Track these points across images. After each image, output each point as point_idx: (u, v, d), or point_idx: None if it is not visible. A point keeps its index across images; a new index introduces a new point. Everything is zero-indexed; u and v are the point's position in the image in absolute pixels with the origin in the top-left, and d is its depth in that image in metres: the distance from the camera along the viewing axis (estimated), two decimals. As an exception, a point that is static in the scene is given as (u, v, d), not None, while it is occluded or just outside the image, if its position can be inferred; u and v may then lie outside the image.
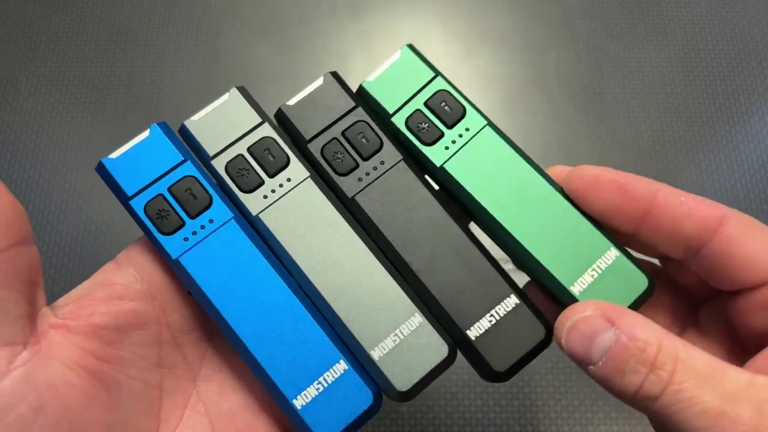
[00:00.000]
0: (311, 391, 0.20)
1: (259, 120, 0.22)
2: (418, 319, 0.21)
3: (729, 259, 0.20)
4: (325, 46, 0.53)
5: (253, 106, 0.22)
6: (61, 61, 0.53)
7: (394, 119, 0.22)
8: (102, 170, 0.22)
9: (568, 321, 0.19)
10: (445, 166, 0.22)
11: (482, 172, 0.22)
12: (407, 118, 0.22)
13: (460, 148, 0.22)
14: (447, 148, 0.22)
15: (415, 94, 0.23)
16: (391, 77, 0.23)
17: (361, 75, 0.52)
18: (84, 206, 0.48)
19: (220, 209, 0.21)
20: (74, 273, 0.45)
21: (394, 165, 0.22)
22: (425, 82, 0.23)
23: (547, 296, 0.22)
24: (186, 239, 0.21)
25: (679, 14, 0.55)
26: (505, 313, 0.21)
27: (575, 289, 0.21)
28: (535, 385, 0.43)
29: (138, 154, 0.22)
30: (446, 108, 0.22)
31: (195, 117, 0.22)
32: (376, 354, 0.21)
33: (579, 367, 0.19)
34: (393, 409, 0.42)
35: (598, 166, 0.21)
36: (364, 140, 0.22)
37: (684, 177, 0.49)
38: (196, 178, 0.21)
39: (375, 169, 0.22)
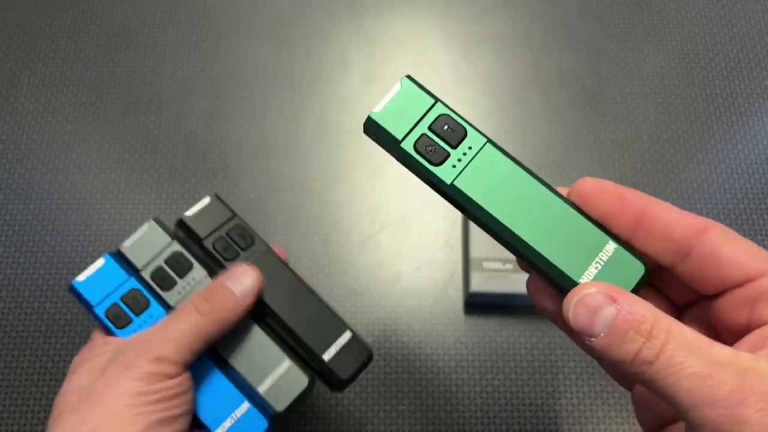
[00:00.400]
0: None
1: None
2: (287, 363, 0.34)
3: (714, 260, 0.22)
4: (325, 46, 0.54)
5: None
6: (62, 61, 0.53)
7: (403, 144, 0.25)
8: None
9: (575, 296, 0.22)
10: (455, 183, 0.24)
11: (488, 184, 0.25)
12: (415, 143, 0.25)
13: (466, 165, 0.25)
14: (454, 166, 0.25)
15: (419, 120, 0.25)
16: (395, 107, 0.25)
17: (361, 75, 0.53)
18: (84, 206, 0.48)
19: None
20: (75, 273, 0.46)
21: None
22: (427, 109, 0.25)
23: (554, 288, 0.24)
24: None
25: (678, 16, 0.55)
26: (345, 342, 0.34)
27: (583, 280, 0.24)
28: (535, 385, 0.43)
29: None
30: (449, 130, 0.25)
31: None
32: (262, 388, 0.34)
33: (579, 339, 0.22)
34: (393, 409, 0.42)
35: (599, 179, 0.25)
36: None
37: (683, 177, 0.49)
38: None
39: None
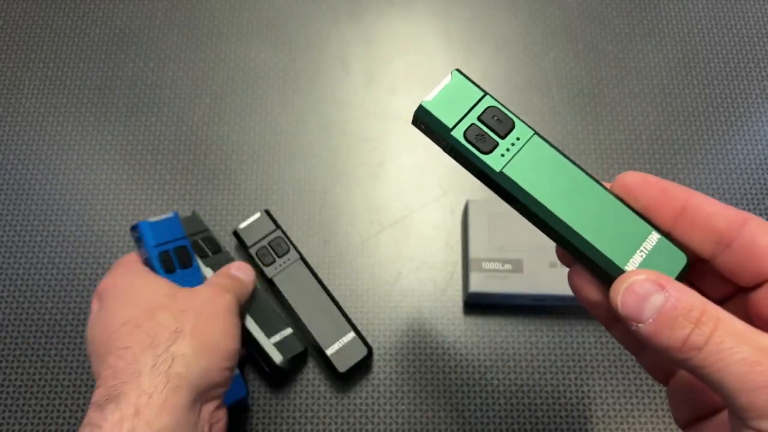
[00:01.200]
0: None
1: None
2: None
3: (754, 251, 0.23)
4: (325, 47, 0.54)
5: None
6: (63, 62, 0.53)
7: (453, 132, 0.26)
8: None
9: (624, 283, 0.22)
10: (504, 170, 0.25)
11: (536, 174, 0.25)
12: (465, 131, 0.26)
13: (514, 155, 0.26)
14: (503, 155, 0.25)
15: (469, 111, 0.26)
16: (446, 97, 0.26)
17: (361, 76, 0.53)
18: (85, 206, 0.48)
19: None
20: (74, 272, 0.46)
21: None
22: (476, 100, 0.26)
23: (598, 277, 0.25)
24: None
25: (677, 16, 0.55)
26: (347, 341, 0.42)
27: (629, 268, 0.24)
28: (534, 385, 0.43)
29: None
30: (497, 121, 0.26)
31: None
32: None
33: (626, 324, 0.22)
34: (393, 408, 0.42)
35: (643, 173, 0.25)
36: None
37: (682, 178, 0.49)
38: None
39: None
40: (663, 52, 0.54)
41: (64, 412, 0.42)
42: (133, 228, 0.39)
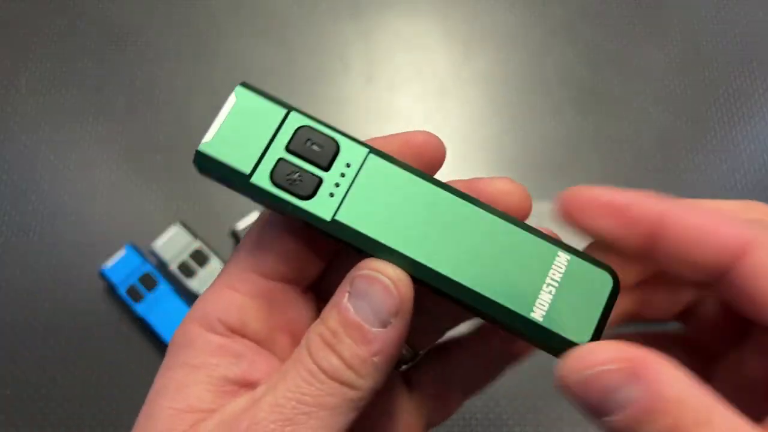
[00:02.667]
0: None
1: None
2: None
3: (757, 291, 0.17)
4: (325, 46, 0.53)
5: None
6: (61, 62, 0.53)
7: (254, 180, 0.18)
8: None
9: (581, 371, 0.16)
10: (336, 218, 0.18)
11: (383, 211, 0.18)
12: (271, 174, 0.18)
13: (347, 191, 0.18)
14: (332, 195, 0.18)
15: (271, 141, 0.19)
16: (232, 130, 0.19)
17: (361, 75, 0.52)
18: (83, 206, 0.48)
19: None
20: (74, 272, 0.45)
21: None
22: (279, 123, 0.19)
23: (505, 331, 0.19)
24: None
25: (680, 15, 0.55)
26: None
27: (537, 315, 0.18)
28: (536, 386, 0.43)
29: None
30: (314, 147, 0.19)
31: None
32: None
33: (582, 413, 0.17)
34: (393, 410, 0.42)
35: (596, 186, 0.19)
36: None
37: (684, 177, 0.49)
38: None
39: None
40: (665, 50, 0.53)
41: (61, 414, 0.42)
42: (101, 276, 0.44)
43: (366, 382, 0.18)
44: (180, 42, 0.54)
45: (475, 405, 0.42)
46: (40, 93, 0.52)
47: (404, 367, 0.24)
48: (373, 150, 0.19)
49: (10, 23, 0.54)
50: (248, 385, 0.19)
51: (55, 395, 0.42)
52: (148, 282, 0.43)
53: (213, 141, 0.18)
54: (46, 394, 0.42)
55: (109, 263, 0.44)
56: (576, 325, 0.18)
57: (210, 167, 0.18)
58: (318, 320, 0.19)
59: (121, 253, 0.44)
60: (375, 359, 0.18)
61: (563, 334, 0.18)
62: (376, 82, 0.52)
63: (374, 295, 0.18)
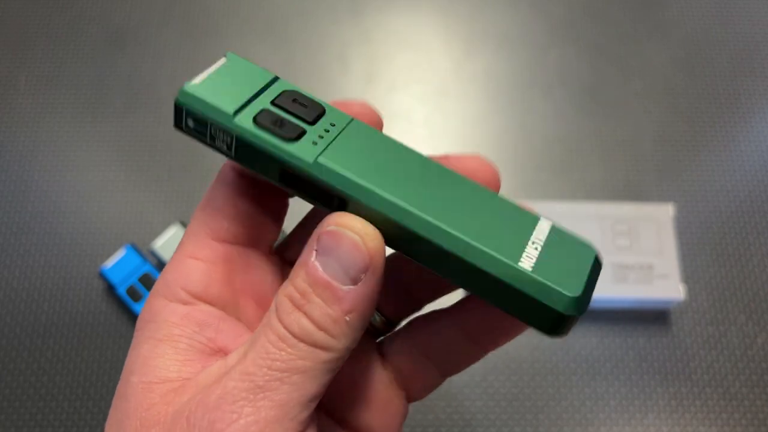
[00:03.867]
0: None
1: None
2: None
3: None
4: (325, 45, 0.53)
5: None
6: (59, 60, 0.53)
7: (237, 120, 0.18)
8: None
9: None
10: (319, 160, 0.18)
11: (366, 162, 0.18)
12: (255, 117, 0.18)
13: (331, 142, 0.18)
14: (315, 143, 0.18)
15: (256, 94, 0.19)
16: (219, 81, 0.19)
17: (361, 74, 0.52)
18: (82, 206, 0.48)
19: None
20: (73, 273, 0.45)
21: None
22: (266, 83, 0.19)
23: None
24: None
25: (681, 14, 0.55)
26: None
27: (525, 265, 0.17)
28: (536, 386, 0.43)
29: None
30: (301, 105, 0.19)
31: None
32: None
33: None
34: (393, 411, 0.42)
35: None
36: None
37: (685, 177, 0.49)
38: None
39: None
40: (667, 50, 0.53)
41: (60, 414, 0.42)
42: (100, 276, 0.43)
43: (339, 342, 0.17)
44: (179, 42, 0.53)
45: (475, 405, 0.42)
46: (39, 93, 0.51)
47: (381, 338, 0.23)
48: (356, 120, 0.19)
49: (8, 23, 0.54)
50: (216, 352, 0.19)
51: (54, 395, 0.42)
52: (148, 282, 0.43)
53: (200, 85, 0.18)
54: (45, 394, 0.42)
55: (109, 263, 0.44)
56: (566, 280, 0.17)
57: (193, 106, 0.18)
58: (286, 281, 0.18)
59: (120, 253, 0.44)
60: (347, 318, 0.17)
61: (555, 286, 0.17)
62: (376, 81, 0.52)
63: (342, 251, 0.17)
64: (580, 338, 0.44)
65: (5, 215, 0.47)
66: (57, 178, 0.49)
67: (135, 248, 0.44)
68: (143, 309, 0.20)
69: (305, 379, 0.17)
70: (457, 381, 0.43)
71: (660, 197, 0.48)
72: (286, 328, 0.17)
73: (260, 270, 0.21)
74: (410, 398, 0.23)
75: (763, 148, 0.50)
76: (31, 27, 0.54)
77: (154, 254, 0.44)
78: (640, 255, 0.43)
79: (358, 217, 0.18)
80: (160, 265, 0.44)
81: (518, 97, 0.52)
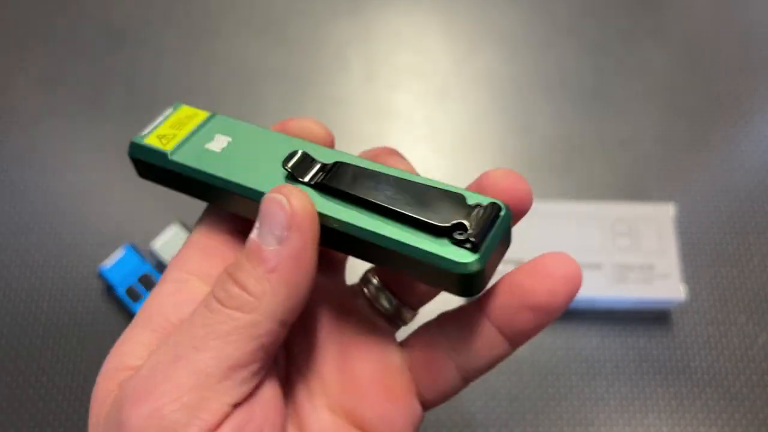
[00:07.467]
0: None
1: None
2: None
3: None
4: (325, 45, 0.53)
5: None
6: (58, 60, 0.53)
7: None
8: None
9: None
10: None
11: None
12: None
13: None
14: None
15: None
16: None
17: (361, 74, 0.52)
18: (82, 206, 0.48)
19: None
20: (72, 273, 0.45)
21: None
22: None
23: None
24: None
25: (682, 14, 0.55)
26: None
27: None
28: (536, 386, 0.43)
29: None
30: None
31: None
32: None
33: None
34: (393, 411, 0.42)
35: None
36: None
37: (686, 177, 0.49)
38: None
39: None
40: (668, 49, 0.53)
41: (60, 414, 0.42)
42: (100, 276, 0.44)
43: (261, 303, 0.17)
44: (178, 41, 0.53)
45: (475, 405, 0.42)
46: (38, 92, 0.51)
47: (402, 326, 0.23)
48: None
49: (8, 23, 0.54)
50: None
51: (54, 395, 0.42)
52: (147, 282, 0.43)
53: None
54: (45, 394, 0.42)
55: (108, 263, 0.44)
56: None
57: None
58: None
59: (119, 253, 0.44)
60: (271, 276, 0.17)
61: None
62: (376, 80, 0.52)
63: (269, 213, 0.18)
64: (580, 338, 0.44)
65: (5, 215, 0.47)
66: (57, 178, 0.49)
67: (134, 248, 0.44)
68: None
69: (223, 345, 0.17)
70: (457, 381, 0.43)
71: (660, 197, 0.47)
72: (213, 296, 0.18)
73: None
74: (426, 402, 0.22)
75: (764, 148, 0.50)
76: (31, 27, 0.54)
77: (153, 254, 0.44)
78: (640, 255, 0.43)
79: (289, 184, 0.19)
80: (160, 265, 0.44)
81: (518, 97, 0.51)
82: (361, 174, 0.19)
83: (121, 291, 0.43)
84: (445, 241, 0.18)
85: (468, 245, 0.18)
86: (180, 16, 0.54)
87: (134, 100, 0.51)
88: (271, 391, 0.18)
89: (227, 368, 0.17)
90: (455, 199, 0.18)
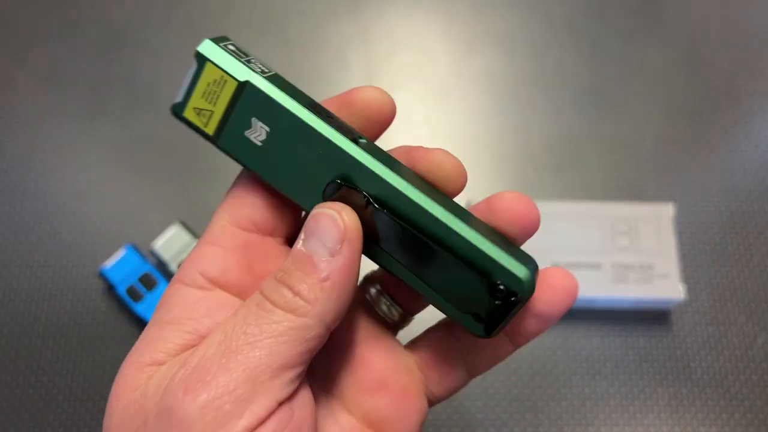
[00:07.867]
0: None
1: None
2: None
3: None
4: (325, 45, 0.53)
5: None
6: (59, 61, 0.53)
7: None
8: None
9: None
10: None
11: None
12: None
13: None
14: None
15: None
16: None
17: (360, 74, 0.52)
18: (82, 206, 0.48)
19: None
20: (73, 273, 0.45)
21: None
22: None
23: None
24: None
25: (681, 14, 0.55)
26: None
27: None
28: (536, 386, 0.43)
29: None
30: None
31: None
32: None
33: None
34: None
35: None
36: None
37: (685, 177, 0.49)
38: None
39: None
40: (667, 49, 0.53)
41: (60, 415, 0.42)
42: (100, 276, 0.44)
43: (313, 308, 0.18)
44: (179, 41, 0.53)
45: (475, 405, 0.42)
46: (39, 93, 0.51)
47: (400, 331, 0.24)
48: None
49: (8, 22, 0.54)
50: None
51: (54, 395, 0.42)
52: (148, 282, 0.43)
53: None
54: (45, 395, 0.42)
55: (109, 263, 0.44)
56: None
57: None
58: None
59: (120, 253, 0.44)
60: (324, 284, 0.18)
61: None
62: (376, 80, 0.52)
63: (321, 227, 0.19)
64: (580, 338, 0.44)
65: (5, 215, 0.47)
66: (57, 178, 0.48)
67: (135, 248, 0.44)
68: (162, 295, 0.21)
69: (276, 344, 0.18)
70: (457, 381, 0.43)
71: (660, 197, 0.48)
72: (265, 297, 0.18)
73: (279, 259, 0.21)
74: (432, 396, 0.23)
75: (764, 148, 0.50)
76: (31, 27, 0.54)
77: (154, 254, 0.44)
78: (640, 255, 0.43)
79: (335, 202, 0.20)
80: (160, 265, 0.44)
81: (518, 97, 0.51)
82: (394, 230, 0.20)
83: (121, 291, 0.43)
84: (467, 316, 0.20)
85: (483, 324, 0.20)
86: (180, 16, 0.54)
87: (134, 100, 0.51)
88: (306, 394, 0.19)
89: (277, 367, 0.18)
90: (480, 280, 0.20)
